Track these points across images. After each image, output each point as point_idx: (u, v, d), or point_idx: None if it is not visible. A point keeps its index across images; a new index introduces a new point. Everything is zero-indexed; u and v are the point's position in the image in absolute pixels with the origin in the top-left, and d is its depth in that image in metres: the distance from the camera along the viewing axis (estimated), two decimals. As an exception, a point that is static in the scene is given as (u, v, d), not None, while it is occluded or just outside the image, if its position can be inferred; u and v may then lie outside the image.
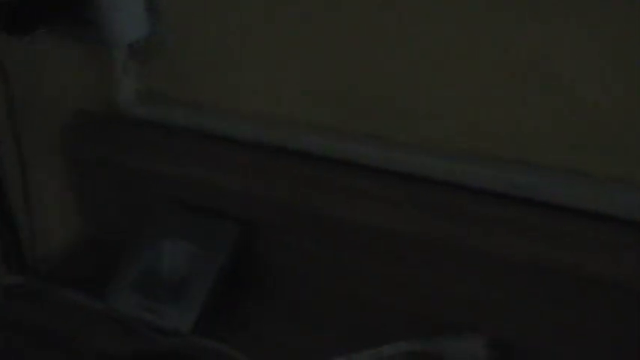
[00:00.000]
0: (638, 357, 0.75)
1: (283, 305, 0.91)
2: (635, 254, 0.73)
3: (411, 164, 0.85)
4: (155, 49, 0.95)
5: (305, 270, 0.92)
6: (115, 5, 0.89)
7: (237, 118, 0.94)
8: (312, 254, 0.90)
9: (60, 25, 0.92)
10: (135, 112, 0.99)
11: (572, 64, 0.73)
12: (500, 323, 0.82)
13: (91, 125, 1.02)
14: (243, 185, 0.90)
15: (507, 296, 0.80)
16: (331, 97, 0.87)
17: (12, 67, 1.03)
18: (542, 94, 0.76)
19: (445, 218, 0.81)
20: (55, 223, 1.13)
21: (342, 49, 0.84)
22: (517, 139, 0.79)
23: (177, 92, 0.97)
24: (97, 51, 0.98)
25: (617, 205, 0.76)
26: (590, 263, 0.75)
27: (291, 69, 0.88)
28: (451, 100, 0.80)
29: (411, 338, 0.82)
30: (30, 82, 1.06)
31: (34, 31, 0.87)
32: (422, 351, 0.81)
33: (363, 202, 0.85)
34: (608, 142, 0.75)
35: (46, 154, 1.09)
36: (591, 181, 0.77)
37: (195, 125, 0.96)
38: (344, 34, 0.83)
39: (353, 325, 0.88)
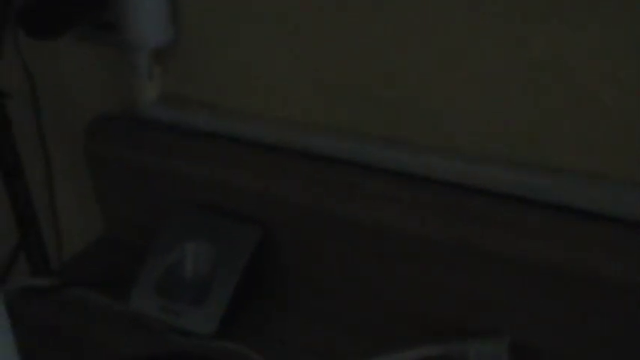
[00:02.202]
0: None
1: (303, 307, 0.91)
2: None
3: (427, 167, 0.84)
4: (176, 52, 0.96)
5: (324, 272, 0.92)
6: (140, 10, 0.90)
7: (257, 121, 0.94)
8: (331, 256, 0.90)
9: (84, 29, 0.93)
10: (156, 114, 1.00)
11: (589, 66, 0.72)
12: (522, 326, 0.81)
13: (114, 127, 1.03)
14: (261, 187, 0.91)
15: (528, 299, 0.79)
16: (347, 99, 0.87)
17: (37, 70, 1.04)
18: (559, 97, 0.75)
19: (461, 221, 0.81)
20: (77, 225, 1.13)
21: (356, 52, 0.84)
22: (532, 142, 0.79)
23: (197, 95, 0.98)
24: (120, 55, 0.99)
25: (636, 209, 0.75)
26: (609, 267, 0.74)
27: (308, 72, 0.88)
28: (467, 102, 0.80)
29: (433, 341, 0.82)
30: (54, 85, 1.07)
31: (60, 36, 0.88)
32: (445, 354, 0.81)
33: (380, 204, 0.85)
34: (626, 145, 0.74)
35: (69, 156, 1.10)
36: (608, 184, 0.76)
37: (216, 127, 0.96)
38: (359, 36, 0.83)
39: (375, 328, 0.87)
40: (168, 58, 0.97)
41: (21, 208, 1.05)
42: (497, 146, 0.81)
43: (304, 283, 0.93)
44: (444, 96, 0.81)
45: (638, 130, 0.73)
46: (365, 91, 0.86)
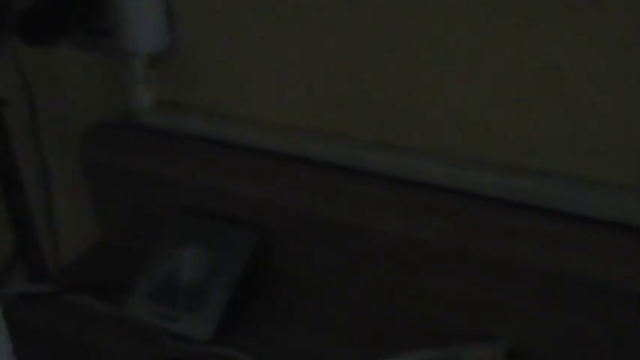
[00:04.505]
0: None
1: (299, 313, 0.91)
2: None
3: (424, 172, 0.85)
4: (172, 59, 0.96)
5: (320, 278, 0.92)
6: (136, 16, 0.90)
7: (252, 127, 0.94)
8: (327, 262, 0.90)
9: (80, 35, 0.93)
10: (152, 120, 1.00)
11: (583, 73, 0.73)
12: (517, 331, 0.81)
13: (109, 133, 1.03)
14: (257, 193, 0.91)
15: (523, 304, 0.80)
16: (342, 105, 0.87)
17: (33, 76, 1.04)
18: (554, 103, 0.75)
19: (459, 226, 0.81)
20: (74, 231, 1.13)
21: (351, 58, 0.84)
22: (529, 147, 0.79)
23: (192, 101, 0.98)
24: (116, 61, 0.99)
25: (631, 213, 0.75)
26: (609, 272, 0.74)
27: (305, 78, 0.88)
28: (464, 108, 0.80)
29: (428, 346, 0.82)
30: (51, 92, 1.07)
31: (57, 43, 0.88)
32: (439, 359, 0.81)
33: (377, 210, 0.85)
34: (620, 150, 0.74)
35: (66, 162, 1.10)
36: (604, 189, 0.76)
37: (211, 134, 0.96)
38: (357, 42, 0.83)
39: (370, 333, 0.87)
40: (163, 64, 0.97)
41: (18, 214, 1.05)
42: (494, 150, 0.81)
43: (301, 289, 0.93)
44: (441, 101, 0.81)
45: (634, 136, 0.73)
46: (361, 97, 0.86)
